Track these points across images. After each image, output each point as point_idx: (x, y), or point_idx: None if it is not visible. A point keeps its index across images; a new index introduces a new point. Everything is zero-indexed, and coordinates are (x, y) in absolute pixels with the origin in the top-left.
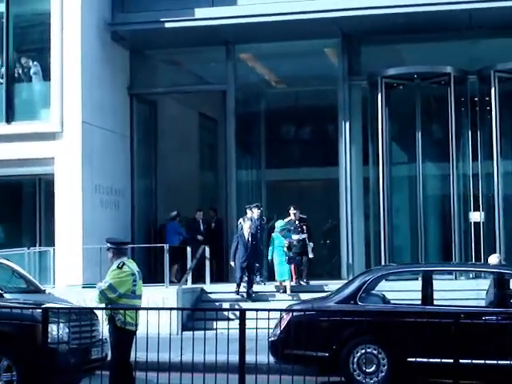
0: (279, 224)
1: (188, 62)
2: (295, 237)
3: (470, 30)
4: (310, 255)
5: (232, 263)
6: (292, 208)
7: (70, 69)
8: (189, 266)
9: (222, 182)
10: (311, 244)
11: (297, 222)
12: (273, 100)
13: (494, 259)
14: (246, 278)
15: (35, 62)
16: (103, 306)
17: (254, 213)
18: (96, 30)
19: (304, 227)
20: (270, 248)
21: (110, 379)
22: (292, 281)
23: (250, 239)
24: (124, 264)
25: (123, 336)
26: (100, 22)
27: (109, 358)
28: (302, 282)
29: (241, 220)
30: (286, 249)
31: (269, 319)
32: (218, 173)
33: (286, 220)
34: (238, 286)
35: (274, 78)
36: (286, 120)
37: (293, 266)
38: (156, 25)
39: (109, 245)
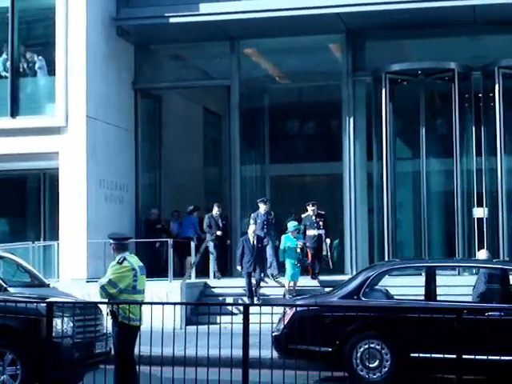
0: (291, 224)
1: (192, 57)
2: (311, 232)
3: (474, 26)
4: (324, 252)
5: (239, 268)
6: (310, 204)
7: (75, 63)
8: (193, 260)
9: (226, 176)
10: (328, 240)
11: (313, 218)
12: (277, 95)
13: (482, 255)
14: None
15: (40, 57)
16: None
17: (260, 208)
18: (101, 24)
19: (321, 223)
20: (281, 249)
21: (114, 374)
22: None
23: (255, 243)
24: (124, 259)
25: (125, 331)
26: (105, 17)
27: (113, 352)
28: (311, 278)
29: (253, 215)
30: (298, 250)
31: (272, 314)
32: (222, 168)
33: (304, 215)
34: (250, 291)
35: (278, 74)
36: (290, 115)
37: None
38: (161, 20)
39: (111, 241)
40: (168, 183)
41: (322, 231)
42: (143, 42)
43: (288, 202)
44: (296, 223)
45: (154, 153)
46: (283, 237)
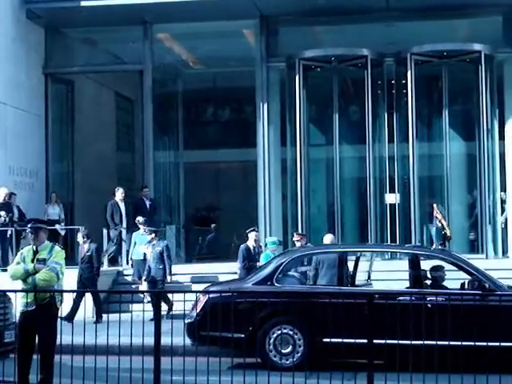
0: (271, 240)
1: (105, 42)
2: None
3: (387, 12)
4: None
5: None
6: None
7: None
8: (105, 248)
9: (140, 163)
10: None
11: None
12: (191, 81)
13: (328, 239)
14: None
15: None
16: (15, 287)
17: (249, 238)
18: (10, 7)
19: None
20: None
21: (47, 364)
22: None
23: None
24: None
25: (57, 315)
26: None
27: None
28: None
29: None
30: None
31: (185, 301)
32: (136, 154)
33: None
34: None
35: (192, 59)
36: (204, 101)
37: None
38: (72, 3)
39: (46, 226)
40: (80, 170)
41: None
42: (54, 25)
43: (202, 188)
44: (275, 238)
45: (65, 139)
46: (262, 255)
